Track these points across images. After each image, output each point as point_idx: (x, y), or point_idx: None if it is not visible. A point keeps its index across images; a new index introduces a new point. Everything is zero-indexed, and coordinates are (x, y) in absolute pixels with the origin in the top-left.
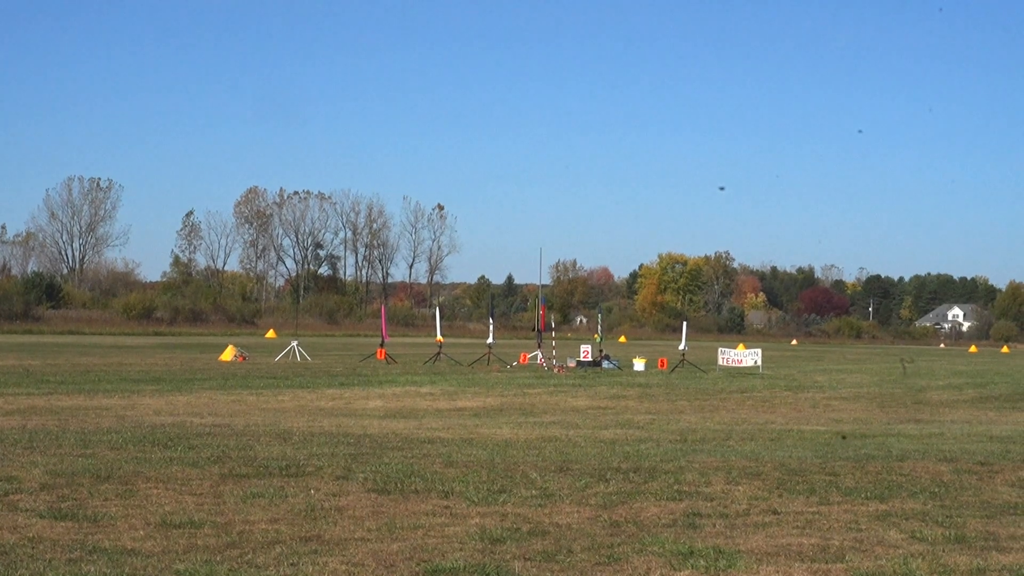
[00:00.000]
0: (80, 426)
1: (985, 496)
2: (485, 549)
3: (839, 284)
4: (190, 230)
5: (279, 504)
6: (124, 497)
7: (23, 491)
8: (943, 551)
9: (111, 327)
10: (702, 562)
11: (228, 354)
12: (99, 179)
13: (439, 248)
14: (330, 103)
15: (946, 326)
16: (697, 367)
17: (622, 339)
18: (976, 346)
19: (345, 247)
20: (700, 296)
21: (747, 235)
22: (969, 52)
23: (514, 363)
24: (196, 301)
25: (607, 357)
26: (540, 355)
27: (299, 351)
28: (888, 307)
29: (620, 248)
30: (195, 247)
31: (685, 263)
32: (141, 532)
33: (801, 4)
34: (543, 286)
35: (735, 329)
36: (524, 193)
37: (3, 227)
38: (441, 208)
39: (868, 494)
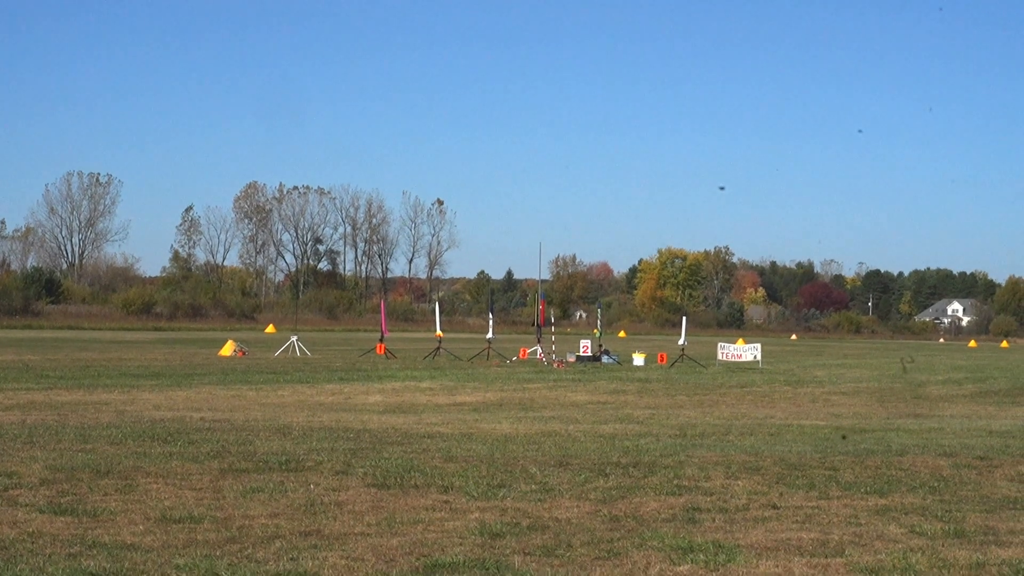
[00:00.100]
0: (79, 421)
1: (984, 491)
2: (485, 544)
3: (839, 279)
4: (189, 225)
5: (279, 499)
6: (124, 492)
7: (23, 486)
8: (943, 545)
9: (110, 322)
10: (702, 557)
11: (227, 349)
12: (98, 174)
13: (438, 243)
14: (329, 98)
15: (945, 321)
16: (697, 362)
17: (622, 334)
18: (975, 341)
19: (344, 242)
20: (700, 291)
21: (747, 230)
22: (968, 50)
23: (514, 358)
24: (195, 296)
25: (606, 352)
26: (540, 350)
27: (299, 346)
28: (888, 302)
29: (620, 243)
30: (195, 242)
31: (685, 258)
32: (141, 527)
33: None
34: (542, 281)
35: (735, 324)
36: (523, 188)
37: (3, 222)
38: (440, 203)
39: (868, 489)
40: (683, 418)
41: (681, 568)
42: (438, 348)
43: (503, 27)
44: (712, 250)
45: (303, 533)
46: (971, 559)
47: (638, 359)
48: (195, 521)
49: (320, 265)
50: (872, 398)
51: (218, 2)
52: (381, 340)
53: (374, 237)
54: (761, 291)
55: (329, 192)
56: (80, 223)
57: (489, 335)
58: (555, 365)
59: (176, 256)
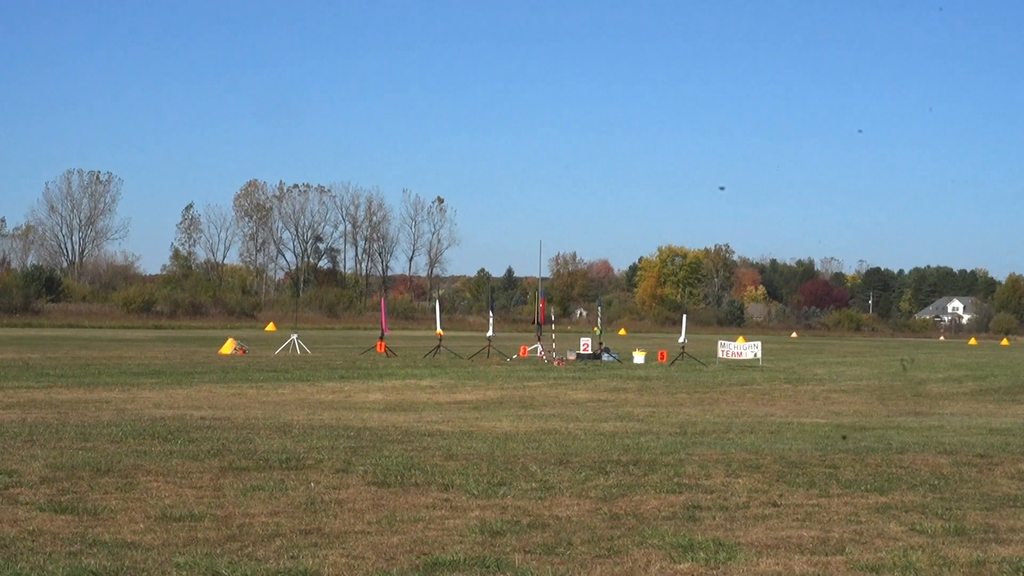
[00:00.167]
0: (80, 419)
1: (985, 488)
2: (485, 542)
3: (839, 277)
4: (190, 223)
5: (279, 497)
6: (124, 490)
7: (23, 484)
8: (943, 543)
9: (111, 320)
10: (702, 555)
11: (228, 347)
12: (99, 172)
13: (439, 241)
14: (330, 96)
15: (946, 319)
16: (697, 360)
17: (622, 332)
18: (976, 339)
19: (345, 240)
20: (700, 289)
21: (747, 228)
22: (968, 50)
23: (514, 356)
24: (196, 294)
25: (607, 350)
26: (540, 348)
27: (299, 344)
28: (888, 300)
29: (620, 241)
30: (195, 240)
31: (685, 256)
32: (141, 525)
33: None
34: (543, 279)
35: (735, 322)
36: (524, 186)
37: (3, 220)
38: (441, 201)
39: (868, 487)
40: (683, 416)
41: (681, 566)
42: (438, 346)
43: (503, 26)
44: (712, 248)
45: (303, 531)
46: (971, 557)
47: (638, 357)
48: (195, 519)
49: (320, 263)
50: (872, 396)
51: (218, 1)
52: (381, 338)
53: (374, 235)
54: (761, 289)
55: (329, 190)
56: (80, 221)
57: (489, 333)
58: (555, 363)
59: (176, 254)
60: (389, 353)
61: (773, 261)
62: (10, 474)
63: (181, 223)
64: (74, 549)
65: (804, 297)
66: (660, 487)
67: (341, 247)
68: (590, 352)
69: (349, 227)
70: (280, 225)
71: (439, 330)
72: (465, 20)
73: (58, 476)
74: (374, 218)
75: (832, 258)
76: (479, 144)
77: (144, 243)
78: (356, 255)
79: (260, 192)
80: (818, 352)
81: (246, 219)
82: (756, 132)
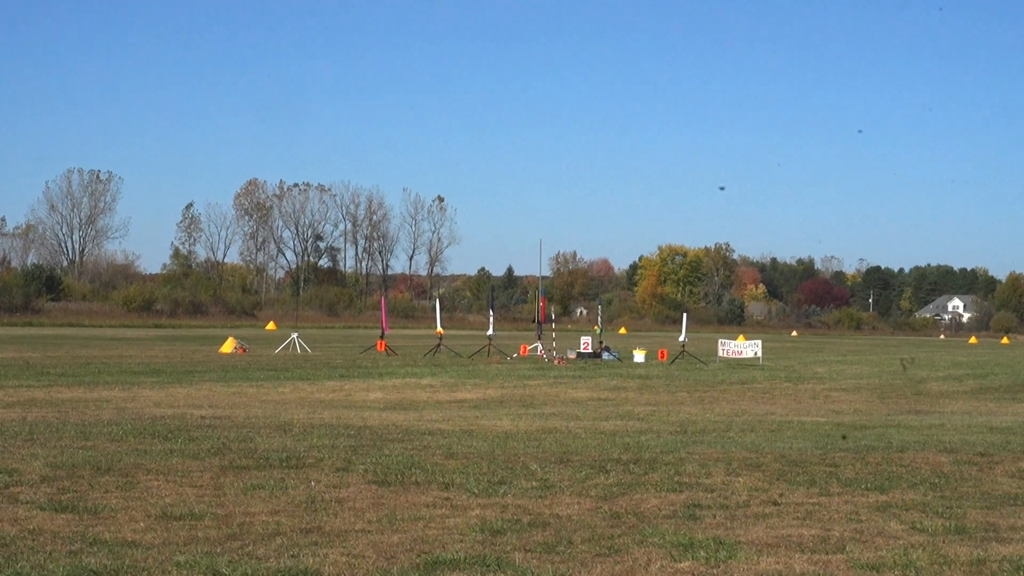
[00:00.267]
0: (80, 418)
1: (985, 487)
2: (485, 540)
3: (839, 275)
4: (190, 222)
5: (279, 496)
6: (124, 489)
7: (23, 483)
8: (943, 542)
9: (111, 319)
10: (702, 553)
11: (228, 346)
12: (99, 171)
13: (439, 240)
14: (330, 95)
15: (946, 317)
16: (697, 358)
17: (622, 331)
18: (976, 337)
19: (345, 239)
20: (700, 287)
21: (747, 226)
22: (968, 48)
23: (514, 355)
24: (196, 293)
25: (607, 349)
26: (540, 347)
27: (299, 343)
28: (888, 298)
29: (620, 240)
30: (195, 239)
31: (685, 254)
32: (142, 524)
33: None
34: (543, 278)
35: (735, 320)
36: (524, 185)
37: (3, 219)
38: (441, 200)
39: (868, 485)
40: (684, 415)
41: (682, 565)
42: (439, 345)
43: (504, 24)
44: (713, 247)
45: (304, 530)
46: (972, 555)
47: (639, 356)
48: (196, 518)
49: (321, 262)
50: (873, 394)
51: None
52: (382, 337)
53: (375, 234)
54: (762, 287)
55: (330, 189)
56: (80, 220)
57: (490, 332)
58: (556, 362)
59: (177, 253)
60: (389, 352)
61: (773, 260)
62: (10, 473)
63: (181, 222)
64: (74, 548)
65: (804, 296)
66: (660, 486)
67: (341, 246)
68: (590, 351)
69: (349, 226)
70: (280, 224)
71: (439, 329)
72: (465, 19)
73: (58, 475)
74: (374, 217)
75: (832, 257)
76: (479, 143)
77: (144, 242)
78: (356, 254)
79: (260, 191)
80: (818, 351)
81: (246, 218)
82: (756, 131)
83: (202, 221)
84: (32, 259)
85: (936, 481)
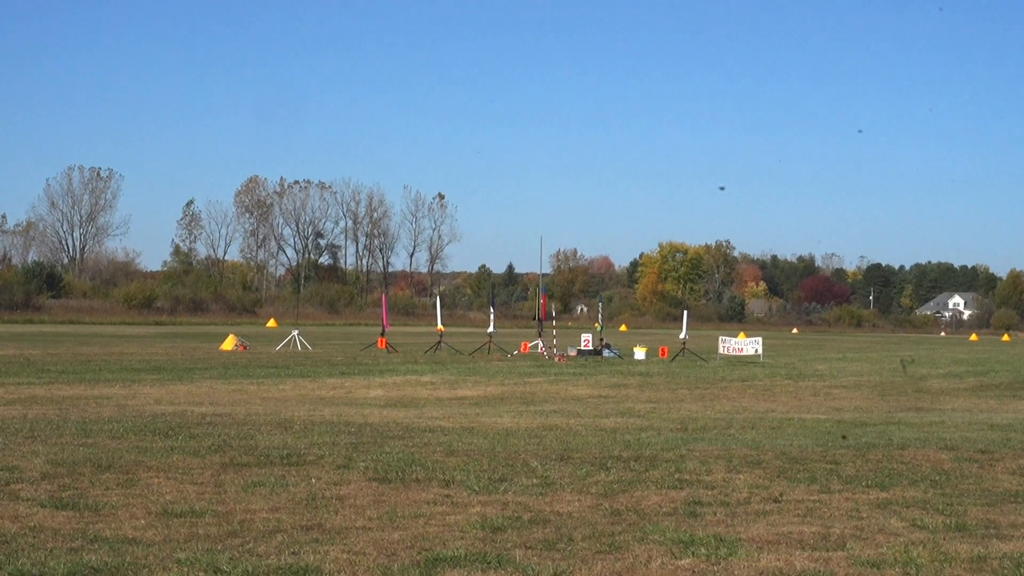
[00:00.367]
0: (81, 415)
1: (986, 484)
2: (486, 538)
3: (840, 273)
4: (191, 219)
5: (280, 493)
6: (125, 486)
7: (24, 480)
8: (944, 539)
9: (111, 316)
10: (703, 550)
11: (229, 343)
12: (99, 168)
13: (439, 237)
14: (330, 92)
15: (947, 314)
16: (698, 356)
17: (623, 328)
18: (977, 334)
19: (346, 236)
20: (701, 285)
21: (748, 224)
22: (968, 48)
23: (515, 352)
24: (197, 290)
25: (608, 346)
26: (541, 344)
27: (300, 340)
28: (889, 295)
29: (621, 237)
30: (196, 236)
31: (686, 252)
32: (142, 521)
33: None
34: (544, 275)
35: (736, 318)
36: (524, 182)
37: (3, 217)
38: (442, 197)
39: (869, 482)
40: (684, 412)
41: (682, 562)
42: (439, 342)
43: (504, 22)
44: (713, 244)
45: (304, 527)
46: (972, 553)
47: (639, 353)
48: (196, 515)
49: (321, 259)
50: (873, 392)
51: None
52: (382, 334)
53: (375, 231)
54: (762, 285)
55: (330, 186)
56: (81, 217)
57: (490, 329)
58: (556, 359)
59: (177, 250)
60: (390, 349)
61: (774, 257)
62: (11, 470)
63: (182, 219)
64: (75, 545)
65: (805, 293)
66: (661, 483)
67: (342, 243)
68: (591, 348)
69: (350, 223)
70: (281, 221)
71: (440, 326)
72: (465, 16)
73: (59, 472)
74: (375, 214)
75: (833, 254)
76: (480, 140)
77: (145, 239)
78: (357, 251)
79: (261, 188)
80: (819, 348)
81: (247, 215)
82: (757, 128)
83: (203, 218)
84: (33, 256)
85: (937, 478)
